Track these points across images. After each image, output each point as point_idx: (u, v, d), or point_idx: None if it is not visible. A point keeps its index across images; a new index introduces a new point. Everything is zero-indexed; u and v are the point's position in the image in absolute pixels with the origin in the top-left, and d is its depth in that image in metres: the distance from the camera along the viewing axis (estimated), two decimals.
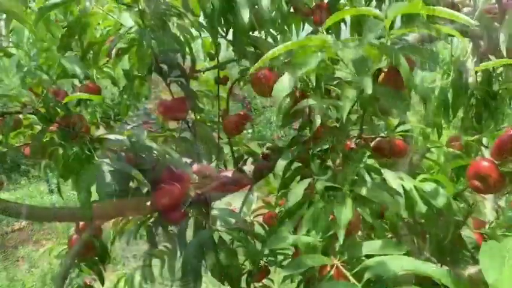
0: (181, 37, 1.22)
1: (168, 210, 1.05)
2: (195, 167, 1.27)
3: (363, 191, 0.72)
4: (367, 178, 0.90)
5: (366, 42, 0.58)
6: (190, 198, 1.08)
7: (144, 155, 1.00)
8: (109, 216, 1.10)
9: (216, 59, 1.38)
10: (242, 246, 1.08)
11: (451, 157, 1.38)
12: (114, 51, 1.05)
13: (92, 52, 1.19)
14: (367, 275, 0.61)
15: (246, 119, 1.09)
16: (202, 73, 1.39)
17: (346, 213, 0.66)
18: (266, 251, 1.49)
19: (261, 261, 1.50)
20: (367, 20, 0.61)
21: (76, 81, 1.52)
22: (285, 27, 1.38)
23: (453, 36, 1.38)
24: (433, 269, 0.55)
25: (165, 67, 1.09)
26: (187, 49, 1.22)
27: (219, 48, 1.38)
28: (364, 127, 0.97)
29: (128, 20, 1.04)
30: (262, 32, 1.17)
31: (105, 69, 1.41)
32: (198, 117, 1.49)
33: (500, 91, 1.70)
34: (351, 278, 0.65)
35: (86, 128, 1.02)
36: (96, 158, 0.93)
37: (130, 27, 0.98)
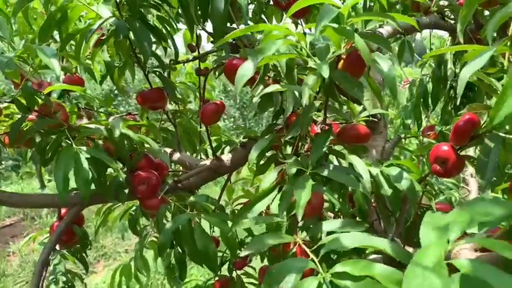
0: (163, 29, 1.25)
1: (145, 197, 1.08)
2: (175, 155, 1.30)
3: (325, 172, 0.75)
4: (335, 162, 0.94)
5: (319, 28, 0.61)
6: (167, 185, 1.11)
7: (121, 144, 1.03)
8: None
9: (197, 50, 1.42)
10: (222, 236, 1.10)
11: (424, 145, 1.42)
12: (92, 42, 1.08)
13: (74, 43, 1.21)
14: (323, 251, 0.64)
15: (223, 108, 1.11)
16: (182, 64, 1.42)
17: (305, 193, 0.70)
18: (248, 239, 1.53)
19: (242, 249, 1.53)
20: (322, 7, 0.64)
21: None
22: (263, 19, 1.41)
23: (420, 30, 1.41)
24: (380, 242, 0.58)
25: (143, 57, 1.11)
26: (169, 41, 1.25)
27: (199, 40, 1.41)
28: (333, 114, 1.01)
29: (106, 11, 1.06)
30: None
31: (87, 60, 1.43)
32: (182, 107, 1.53)
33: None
34: (310, 254, 0.68)
35: (65, 117, 1.05)
36: (74, 146, 0.95)
37: (106, 19, 1.00)
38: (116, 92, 9.63)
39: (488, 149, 0.76)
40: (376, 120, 1.14)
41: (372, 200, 1.03)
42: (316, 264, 0.63)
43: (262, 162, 1.15)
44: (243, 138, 1.21)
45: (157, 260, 1.72)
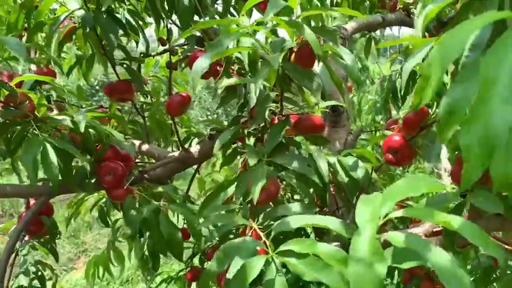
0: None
1: (111, 188, 1.10)
2: (144, 147, 1.32)
3: (280, 160, 0.79)
4: (296, 152, 0.97)
5: (267, 20, 0.64)
6: (134, 176, 1.13)
7: (87, 135, 1.04)
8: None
9: (168, 43, 1.43)
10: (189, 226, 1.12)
11: None
12: (59, 33, 1.09)
13: (44, 35, 1.22)
14: (273, 232, 0.68)
15: (189, 100, 1.13)
16: (153, 57, 1.44)
17: (260, 179, 0.73)
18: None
19: (213, 241, 1.56)
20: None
21: (33, 66, 1.54)
22: (232, 13, 1.44)
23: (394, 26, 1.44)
24: (328, 221, 0.62)
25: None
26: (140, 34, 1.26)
27: (170, 34, 1.43)
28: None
29: (73, 3, 1.07)
30: None
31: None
32: (154, 100, 1.54)
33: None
34: (263, 237, 0.72)
35: (32, 107, 1.05)
36: (40, 136, 0.96)
37: (72, 11, 1.01)
38: (97, 87, 9.50)
39: (434, 136, 0.81)
40: (338, 113, 1.18)
41: (332, 190, 1.07)
42: (266, 245, 0.66)
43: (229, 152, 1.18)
44: (210, 131, 1.23)
45: (131, 252, 1.73)
